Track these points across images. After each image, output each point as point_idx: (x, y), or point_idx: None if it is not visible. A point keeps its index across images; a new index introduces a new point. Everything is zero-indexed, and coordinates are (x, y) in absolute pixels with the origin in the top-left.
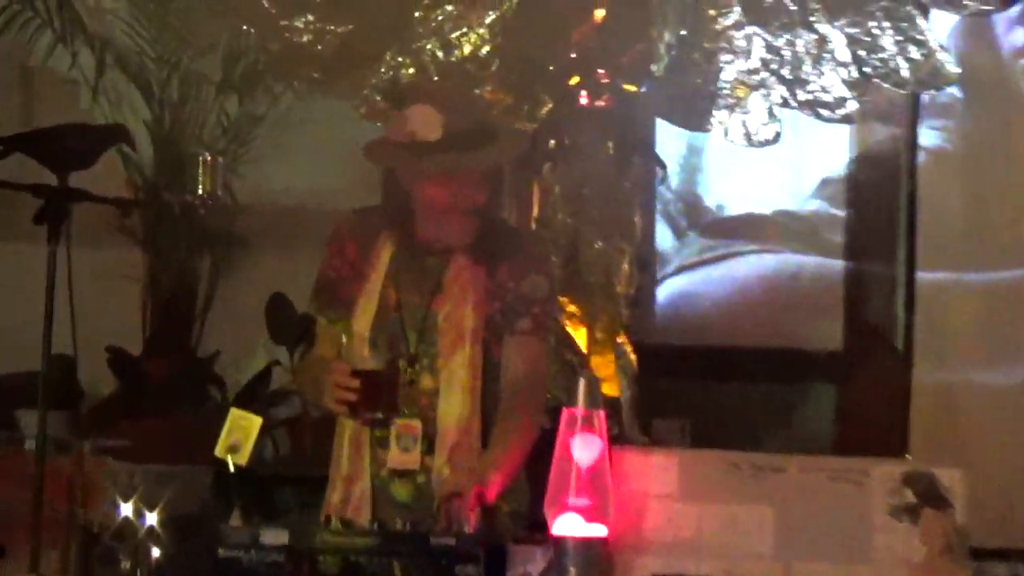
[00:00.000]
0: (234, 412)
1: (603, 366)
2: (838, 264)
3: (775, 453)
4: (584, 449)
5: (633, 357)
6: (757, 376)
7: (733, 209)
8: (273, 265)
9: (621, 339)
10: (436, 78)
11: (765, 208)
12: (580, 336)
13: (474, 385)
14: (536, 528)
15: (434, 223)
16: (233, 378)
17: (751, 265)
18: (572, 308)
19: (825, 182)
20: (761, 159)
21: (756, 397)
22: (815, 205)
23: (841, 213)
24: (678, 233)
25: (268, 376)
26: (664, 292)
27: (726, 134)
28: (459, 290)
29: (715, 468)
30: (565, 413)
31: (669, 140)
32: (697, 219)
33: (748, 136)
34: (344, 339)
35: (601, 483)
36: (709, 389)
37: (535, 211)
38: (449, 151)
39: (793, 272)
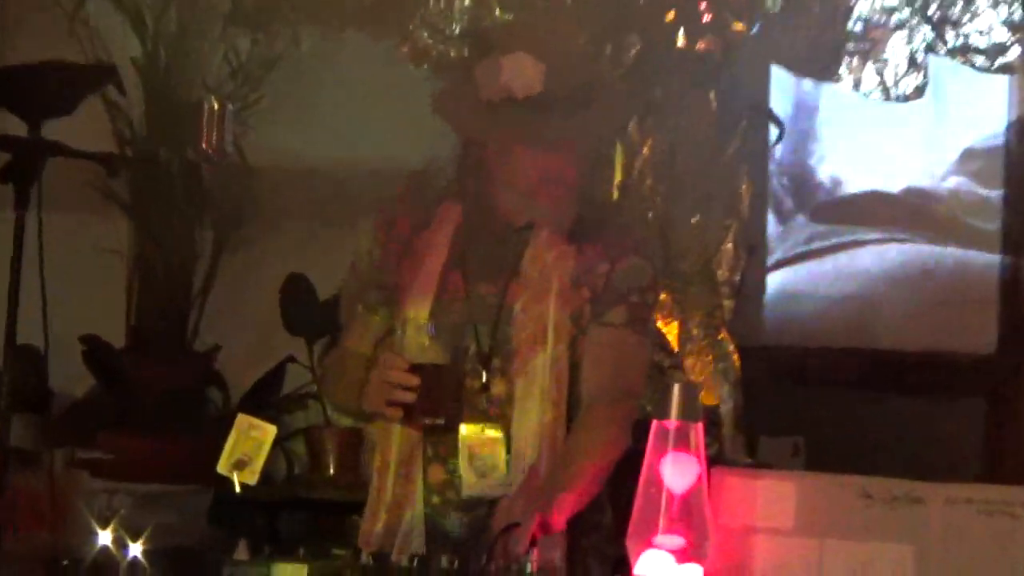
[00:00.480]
0: (241, 420)
1: (699, 369)
2: (987, 257)
3: (913, 480)
4: (677, 472)
5: (736, 359)
6: (888, 386)
7: (853, 187)
8: (290, 240)
9: (722, 336)
10: (497, 11)
11: (893, 186)
12: (671, 332)
13: (558, 394)
14: (618, 568)
15: (517, 196)
16: (238, 378)
17: (875, 257)
18: (662, 297)
19: (972, 153)
20: (890, 123)
21: (888, 411)
22: (958, 183)
23: (993, 193)
24: (782, 216)
25: (281, 375)
26: (773, 283)
27: (857, 86)
28: (540, 276)
29: (839, 497)
30: (654, 427)
31: (775, 96)
32: (807, 199)
33: (885, 89)
34: (397, 330)
35: (697, 514)
36: (829, 400)
37: (617, 176)
38: (550, 112)
39: (928, 265)
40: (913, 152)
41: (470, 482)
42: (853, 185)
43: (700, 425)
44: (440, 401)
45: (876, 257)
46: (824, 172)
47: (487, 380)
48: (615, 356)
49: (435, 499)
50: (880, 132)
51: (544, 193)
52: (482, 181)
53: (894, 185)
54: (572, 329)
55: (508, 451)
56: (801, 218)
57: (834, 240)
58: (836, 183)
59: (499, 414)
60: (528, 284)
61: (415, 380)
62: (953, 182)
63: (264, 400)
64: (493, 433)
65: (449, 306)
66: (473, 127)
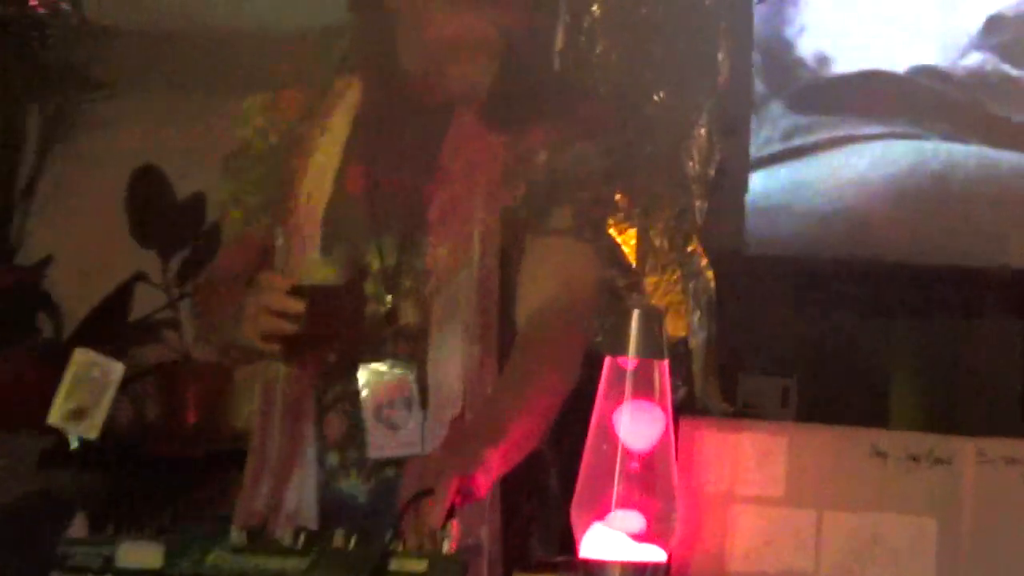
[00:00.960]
0: (79, 355)
1: (663, 290)
2: (1018, 156)
3: (937, 433)
4: (636, 425)
5: (711, 277)
6: (901, 309)
7: (843, 65)
8: (141, 123)
9: (693, 248)
10: None
11: (897, 64)
12: (628, 242)
13: (486, 322)
14: (566, 544)
15: (426, 65)
16: (72, 300)
17: (874, 157)
18: (616, 197)
19: (999, 22)
20: None
21: (902, 341)
22: (981, 60)
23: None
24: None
25: (127, 298)
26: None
27: None
28: (464, 167)
29: (843, 455)
30: (607, 365)
31: None
32: (783, 81)
33: None
34: (279, 239)
35: (662, 478)
36: (828, 328)
37: (559, 42)
38: None
39: (943, 167)
40: (923, 20)
41: (378, 439)
42: (844, 63)
43: (665, 363)
44: (332, 331)
45: (876, 157)
46: (806, 46)
47: (393, 305)
48: (558, 270)
49: (332, 458)
50: None
51: (461, 61)
52: (384, 47)
53: (898, 63)
54: (503, 238)
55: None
56: (777, 106)
57: (820, 135)
58: (821, 60)
59: (411, 351)
60: (448, 181)
61: (298, 305)
62: (975, 59)
63: (106, 329)
64: (401, 373)
65: (347, 209)
66: None
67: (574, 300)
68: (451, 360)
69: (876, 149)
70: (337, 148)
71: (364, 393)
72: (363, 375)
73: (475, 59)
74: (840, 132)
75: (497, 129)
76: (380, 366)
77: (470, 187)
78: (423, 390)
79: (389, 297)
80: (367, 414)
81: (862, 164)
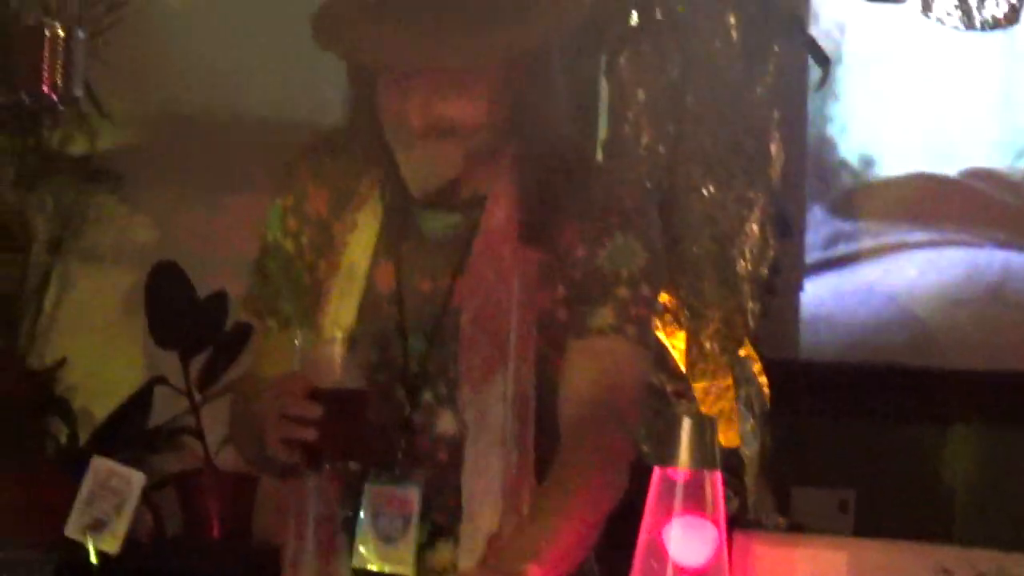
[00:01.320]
0: (98, 464)
1: (714, 397)
2: None
3: (1006, 550)
4: (687, 543)
5: (764, 383)
6: (961, 415)
7: (889, 168)
8: (155, 215)
9: (745, 352)
10: None
11: (948, 166)
12: (677, 345)
13: (523, 432)
14: None
15: (405, 156)
16: (87, 405)
17: (925, 265)
18: (663, 298)
19: None
20: (946, 73)
21: (965, 451)
22: None
23: None
24: None
25: (146, 403)
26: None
27: (927, 9)
28: (495, 269)
29: (907, 573)
30: (656, 476)
31: None
32: (826, 183)
33: (966, 14)
34: (297, 341)
35: None
36: (886, 438)
37: (602, 131)
38: (412, 27)
39: (996, 277)
40: (976, 120)
41: (367, 551)
42: (890, 165)
43: (718, 475)
44: (354, 440)
45: (926, 265)
46: (849, 146)
47: (410, 413)
48: (601, 373)
49: None
50: (927, 89)
51: (436, 151)
52: (375, 135)
53: (949, 166)
54: (541, 342)
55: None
56: (819, 210)
57: (865, 243)
58: (866, 162)
59: (449, 461)
60: (479, 282)
61: (316, 410)
62: None
63: (124, 436)
64: (404, 490)
65: (376, 309)
66: (342, 45)
67: (619, 403)
68: (487, 473)
69: (926, 256)
70: (368, 244)
71: (365, 500)
72: (369, 482)
73: (447, 153)
74: (887, 239)
75: (532, 224)
76: (389, 479)
77: (504, 289)
78: (457, 504)
79: (407, 404)
80: (363, 520)
81: (912, 271)
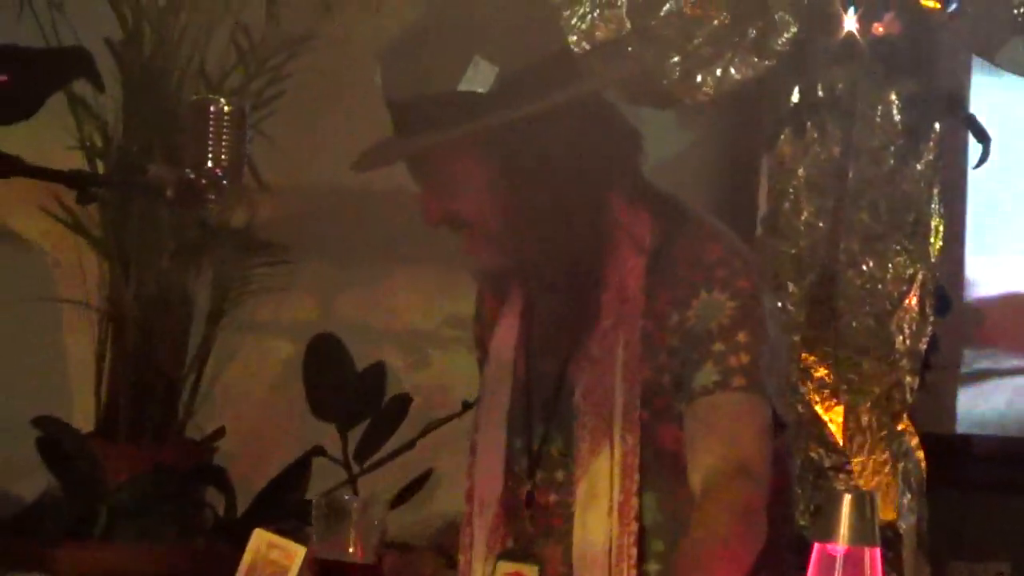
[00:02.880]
0: (259, 536)
1: (871, 471)
2: None
3: None
4: None
5: (922, 458)
6: None
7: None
8: (318, 288)
9: (903, 427)
10: None
11: None
12: (835, 420)
13: (628, 501)
14: None
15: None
16: (245, 475)
17: None
18: (822, 372)
19: None
20: None
21: None
22: None
23: None
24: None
25: (305, 473)
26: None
27: None
28: (602, 347)
29: None
30: (815, 552)
31: None
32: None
33: None
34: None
35: None
36: None
37: (761, 207)
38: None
39: None
40: None
41: None
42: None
43: (877, 551)
44: None
45: None
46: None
47: (532, 490)
48: (717, 432)
49: None
50: None
51: (466, 243)
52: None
53: None
54: (647, 414)
55: None
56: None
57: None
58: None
59: (567, 529)
60: (590, 361)
61: None
62: None
63: (282, 507)
64: (524, 568)
65: (519, 398)
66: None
67: (744, 455)
68: (594, 542)
69: None
70: (513, 332)
71: (496, 574)
72: (500, 560)
73: (472, 244)
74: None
75: (640, 297)
76: (516, 556)
77: (609, 362)
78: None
79: (531, 482)
80: None
81: None
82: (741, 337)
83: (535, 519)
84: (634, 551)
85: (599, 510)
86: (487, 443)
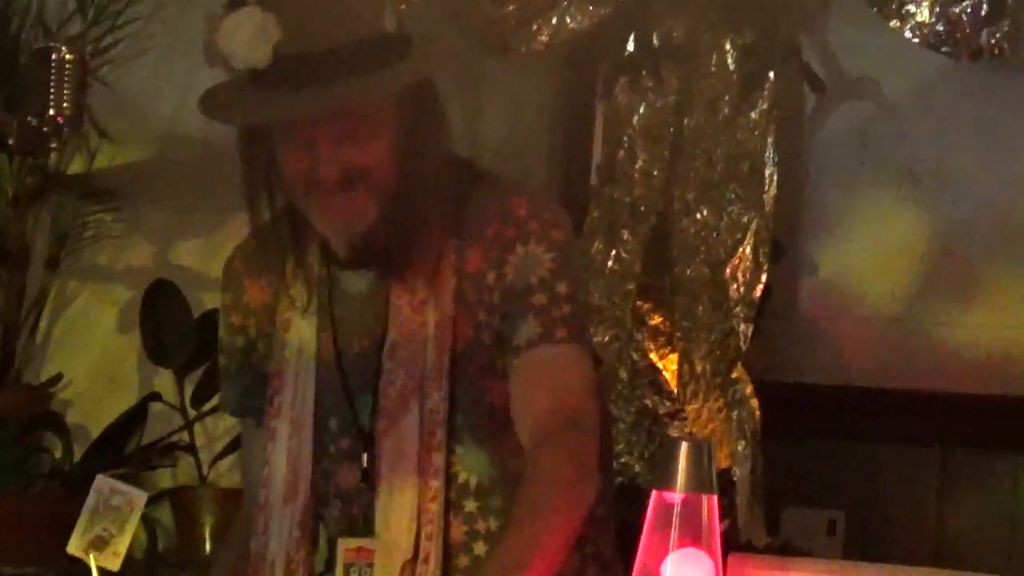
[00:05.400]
0: (101, 482)
1: (706, 418)
2: None
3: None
4: (685, 575)
5: (756, 405)
6: (963, 435)
7: None
8: (156, 235)
9: (737, 374)
10: None
11: None
12: (669, 367)
13: (429, 464)
14: None
15: (321, 215)
16: (81, 421)
17: None
18: (656, 320)
19: None
20: None
21: (958, 473)
22: None
23: None
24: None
25: (141, 420)
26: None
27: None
28: (411, 308)
29: None
30: (653, 500)
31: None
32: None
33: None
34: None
35: None
36: (876, 459)
37: (596, 157)
38: (300, 85)
39: None
40: None
41: None
42: None
43: (715, 498)
44: None
45: None
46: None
47: (367, 466)
48: (543, 385)
49: None
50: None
51: (335, 203)
52: (285, 209)
53: None
54: (472, 370)
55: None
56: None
57: None
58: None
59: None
60: (399, 328)
61: None
62: None
63: (119, 452)
64: (367, 542)
65: (328, 377)
66: (236, 113)
67: (570, 406)
68: (400, 503)
69: None
70: (309, 317)
71: (338, 553)
72: (341, 539)
73: (351, 203)
74: None
75: (443, 256)
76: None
77: (420, 324)
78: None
79: (365, 456)
80: (337, 574)
81: None
82: (561, 288)
83: (372, 499)
84: (440, 509)
85: (405, 471)
86: (290, 430)
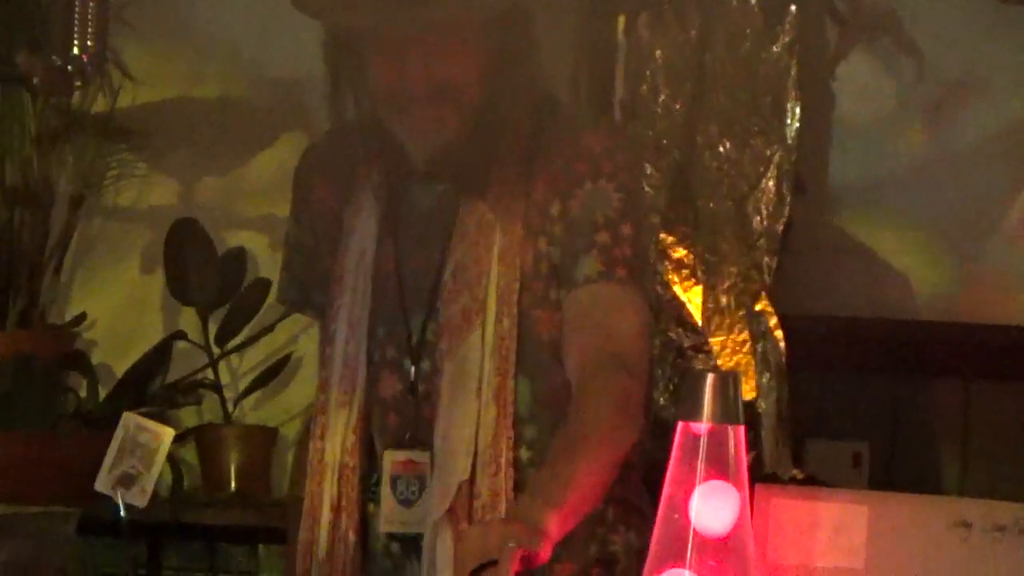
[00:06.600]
0: (128, 419)
1: (730, 351)
2: None
3: None
4: (712, 510)
5: (781, 337)
6: (988, 368)
7: None
8: (180, 174)
9: (761, 306)
10: None
11: None
12: (693, 300)
13: (503, 386)
14: None
15: (405, 124)
16: (106, 360)
17: None
18: (680, 253)
19: None
20: None
21: (986, 405)
22: None
23: None
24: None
25: (166, 358)
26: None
27: None
28: (477, 230)
29: (927, 526)
30: (679, 431)
31: None
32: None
33: None
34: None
35: (738, 555)
36: (904, 391)
37: (619, 91)
38: None
39: None
40: None
41: (390, 513)
42: None
43: (741, 429)
44: None
45: None
46: None
47: (415, 379)
48: (599, 320)
49: (391, 546)
50: None
51: (420, 115)
52: (364, 113)
53: None
54: (525, 297)
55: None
56: None
57: None
58: None
59: (431, 416)
60: (462, 239)
61: None
62: None
63: (144, 391)
64: (418, 455)
65: (383, 286)
66: (329, 11)
67: (622, 347)
68: (461, 423)
69: None
70: (370, 225)
71: (384, 464)
72: (386, 458)
73: (437, 116)
74: None
75: (511, 183)
76: (403, 444)
77: (483, 246)
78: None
79: (413, 369)
80: (383, 487)
81: None
82: (625, 230)
83: (419, 407)
84: (511, 435)
85: (467, 390)
86: (347, 334)
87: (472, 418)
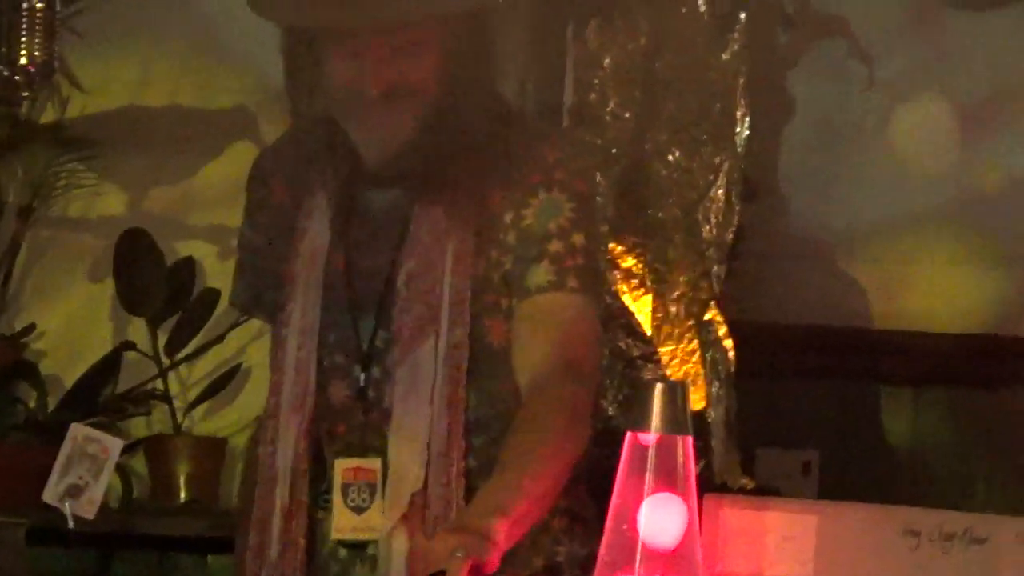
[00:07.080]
0: (76, 430)
1: (679, 360)
2: None
3: (974, 512)
4: (660, 520)
5: (730, 346)
6: (931, 377)
7: None
8: (129, 184)
9: (711, 315)
10: None
11: None
12: (642, 310)
13: (453, 393)
14: None
15: (359, 125)
16: (55, 370)
17: None
18: (630, 263)
19: None
20: None
21: (937, 413)
22: None
23: None
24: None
25: (114, 368)
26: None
27: None
28: (431, 237)
29: (875, 535)
30: (627, 441)
31: None
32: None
33: None
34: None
35: (685, 560)
36: (854, 399)
37: (568, 97)
38: None
39: None
40: None
41: (342, 521)
42: None
43: (689, 439)
44: None
45: None
46: None
47: (364, 386)
48: (548, 330)
49: (339, 552)
50: None
51: (380, 115)
52: (320, 113)
53: None
54: (477, 306)
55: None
56: None
57: None
58: None
59: (379, 422)
60: (415, 247)
61: None
62: None
63: (93, 401)
64: (369, 462)
65: (333, 291)
66: (285, 13)
67: (573, 356)
68: (414, 432)
69: None
70: (323, 228)
71: (335, 472)
72: (337, 466)
73: (395, 116)
74: None
75: (464, 191)
76: (354, 452)
77: (438, 252)
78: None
79: (362, 376)
80: (335, 495)
81: None
82: (578, 239)
83: (368, 414)
84: (464, 445)
85: (420, 399)
86: (299, 339)
87: (425, 427)
